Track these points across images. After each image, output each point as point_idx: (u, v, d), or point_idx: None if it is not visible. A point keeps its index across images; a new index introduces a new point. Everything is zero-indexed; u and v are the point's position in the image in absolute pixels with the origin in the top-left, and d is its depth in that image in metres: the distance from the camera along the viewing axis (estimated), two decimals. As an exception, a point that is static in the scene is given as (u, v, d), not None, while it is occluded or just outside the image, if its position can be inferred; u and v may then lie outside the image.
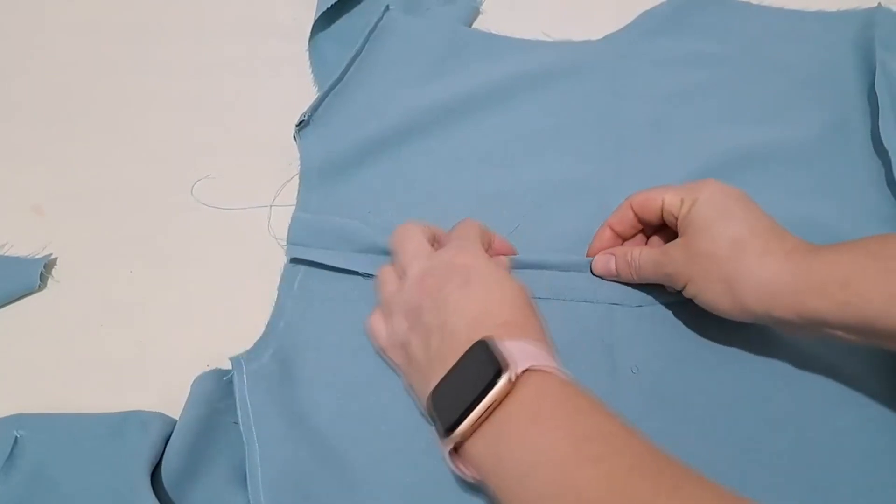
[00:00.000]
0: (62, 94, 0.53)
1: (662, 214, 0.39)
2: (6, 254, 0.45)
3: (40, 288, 0.43)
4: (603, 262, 0.41)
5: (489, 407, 0.29)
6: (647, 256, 0.39)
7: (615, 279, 0.41)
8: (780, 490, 0.36)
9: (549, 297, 0.41)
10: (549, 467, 0.28)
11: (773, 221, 0.36)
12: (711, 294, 0.36)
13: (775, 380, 0.39)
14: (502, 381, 0.29)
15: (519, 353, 0.31)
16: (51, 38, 0.55)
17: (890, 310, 0.31)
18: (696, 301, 0.37)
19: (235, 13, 0.57)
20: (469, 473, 0.31)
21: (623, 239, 0.42)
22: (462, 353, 0.32)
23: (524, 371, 0.30)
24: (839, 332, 0.34)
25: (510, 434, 0.29)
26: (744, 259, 0.35)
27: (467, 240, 0.38)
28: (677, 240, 0.38)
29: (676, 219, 0.38)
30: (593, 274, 0.42)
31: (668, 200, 0.38)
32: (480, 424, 0.30)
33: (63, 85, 0.53)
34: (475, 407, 0.30)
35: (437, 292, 0.34)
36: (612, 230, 0.42)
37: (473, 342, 0.32)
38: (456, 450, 0.31)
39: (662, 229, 0.41)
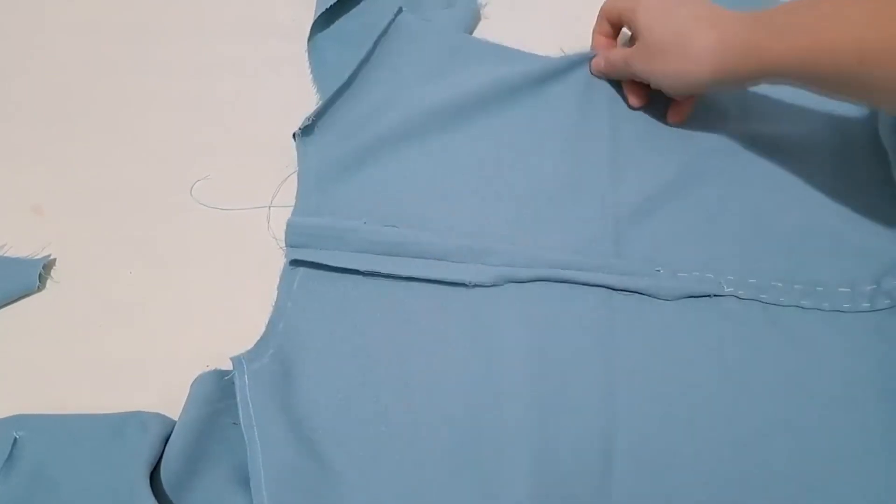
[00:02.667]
0: (62, 94, 0.53)
1: (622, 21, 0.48)
2: (6, 254, 0.45)
3: (40, 288, 0.43)
4: (596, 61, 0.50)
5: None
6: (617, 55, 0.47)
7: (603, 76, 0.49)
8: (777, 489, 0.36)
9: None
10: None
11: (711, 3, 0.42)
12: (672, 76, 0.43)
13: (776, 380, 0.39)
14: None
15: None
16: (51, 38, 0.55)
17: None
18: (661, 87, 0.44)
19: (235, 13, 0.56)
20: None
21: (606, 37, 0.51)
22: None
23: None
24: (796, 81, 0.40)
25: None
26: (694, 35, 0.41)
27: None
28: (636, 43, 0.45)
29: (630, 24, 0.46)
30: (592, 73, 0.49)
31: (623, 13, 0.47)
32: None
33: (63, 85, 0.53)
34: None
35: None
36: (602, 35, 0.50)
37: None
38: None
39: None
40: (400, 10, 0.51)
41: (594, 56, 0.50)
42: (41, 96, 0.53)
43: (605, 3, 0.50)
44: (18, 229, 0.46)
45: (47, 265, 0.44)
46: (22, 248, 0.45)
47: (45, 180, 0.48)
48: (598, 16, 0.50)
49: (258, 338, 0.40)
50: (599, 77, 0.49)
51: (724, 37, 0.40)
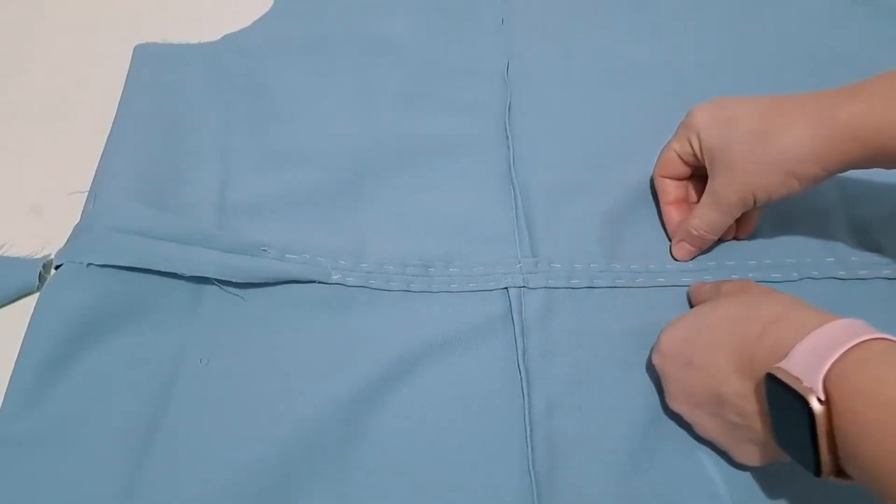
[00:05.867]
0: (61, 93, 0.52)
1: (686, 164, 0.42)
2: (5, 254, 0.44)
3: (39, 288, 0.43)
4: (680, 250, 0.43)
5: (827, 435, 0.28)
6: (706, 216, 0.40)
7: (702, 251, 0.43)
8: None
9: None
10: None
11: (768, 97, 0.38)
12: (776, 188, 0.37)
13: None
14: (816, 408, 0.27)
15: (801, 361, 0.29)
16: (50, 38, 0.55)
17: None
18: (765, 202, 0.38)
19: (234, 13, 0.56)
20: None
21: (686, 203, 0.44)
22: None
23: (826, 375, 0.28)
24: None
25: (861, 436, 0.27)
26: (771, 145, 0.36)
27: None
28: (711, 179, 0.39)
29: (697, 157, 0.40)
30: (675, 259, 0.44)
31: (680, 150, 0.41)
32: (836, 453, 0.28)
33: (63, 85, 0.53)
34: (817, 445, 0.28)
35: None
36: (673, 207, 0.44)
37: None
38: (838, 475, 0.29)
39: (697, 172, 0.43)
40: None
41: (673, 247, 0.44)
42: (41, 96, 0.52)
43: (657, 164, 0.44)
44: (18, 229, 0.45)
45: (47, 265, 0.44)
46: (22, 248, 0.45)
47: (45, 180, 0.48)
48: (658, 183, 0.44)
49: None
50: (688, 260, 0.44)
51: (818, 121, 0.35)
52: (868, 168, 0.36)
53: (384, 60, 0.54)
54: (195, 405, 0.37)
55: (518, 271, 0.42)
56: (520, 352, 0.39)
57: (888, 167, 0.35)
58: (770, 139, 0.36)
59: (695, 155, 0.40)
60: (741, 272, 0.43)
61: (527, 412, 0.37)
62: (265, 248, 0.42)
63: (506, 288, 0.42)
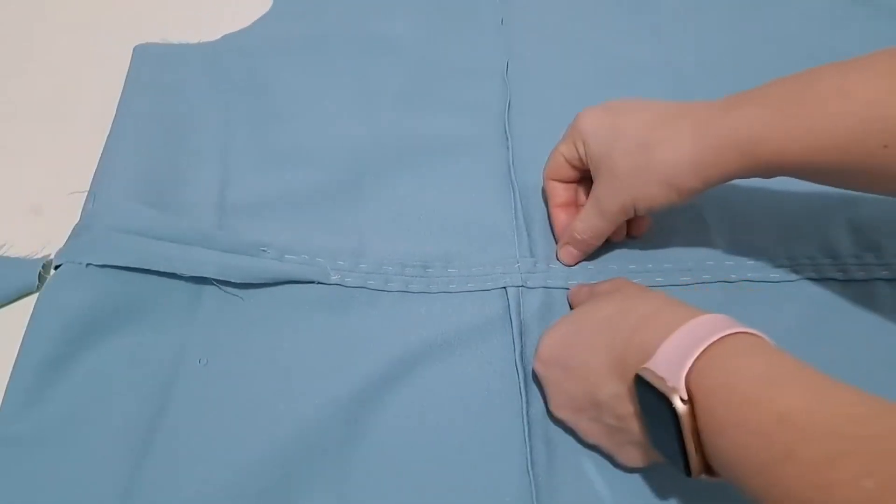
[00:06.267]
0: (62, 94, 0.52)
1: (574, 168, 0.41)
2: (5, 254, 0.44)
3: (39, 288, 0.43)
4: (565, 254, 0.43)
5: (693, 434, 0.27)
6: (589, 222, 0.40)
7: (586, 255, 0.43)
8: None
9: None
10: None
11: (656, 105, 0.37)
12: (656, 198, 0.37)
13: None
14: (679, 408, 0.27)
15: (665, 360, 0.28)
16: (50, 38, 0.55)
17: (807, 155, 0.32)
18: (647, 211, 0.38)
19: (234, 13, 0.56)
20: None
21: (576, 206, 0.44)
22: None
23: (689, 373, 0.27)
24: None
25: (719, 432, 0.27)
26: (652, 157, 0.35)
27: None
28: (595, 184, 0.39)
29: (583, 162, 0.40)
30: (561, 262, 0.43)
31: (567, 154, 0.41)
32: (703, 452, 0.28)
33: (63, 85, 0.53)
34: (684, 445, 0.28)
35: None
36: (561, 210, 0.43)
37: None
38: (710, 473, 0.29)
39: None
40: None
41: (557, 250, 0.43)
42: (40, 96, 0.52)
43: (546, 166, 0.43)
44: (18, 229, 0.45)
45: (47, 265, 0.44)
46: (22, 248, 0.45)
47: (45, 180, 0.48)
48: (547, 186, 0.43)
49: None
50: (573, 265, 0.43)
51: (698, 132, 0.34)
52: (748, 178, 0.35)
53: (384, 60, 0.54)
54: (195, 405, 0.37)
55: (517, 271, 0.42)
56: (518, 352, 0.39)
57: (766, 177, 0.35)
58: (651, 150, 0.36)
59: (580, 159, 0.40)
60: (740, 272, 0.43)
61: (525, 412, 0.37)
62: (265, 249, 0.42)
63: (504, 288, 0.42)
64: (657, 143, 0.36)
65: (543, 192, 0.46)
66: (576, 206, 0.44)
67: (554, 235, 0.45)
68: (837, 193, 0.46)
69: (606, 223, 0.40)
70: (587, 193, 0.42)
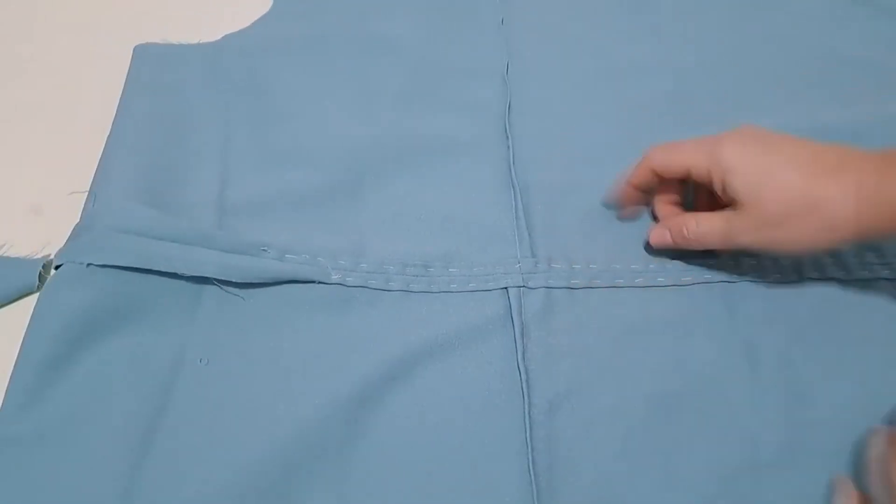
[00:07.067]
0: (62, 94, 0.52)
1: (688, 178, 0.40)
2: (5, 254, 0.44)
3: (39, 288, 0.43)
4: (659, 234, 0.42)
5: None
6: (708, 228, 0.39)
7: (676, 250, 0.42)
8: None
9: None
10: None
11: (809, 147, 0.36)
12: (802, 245, 0.36)
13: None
14: None
15: None
16: (50, 38, 0.55)
17: None
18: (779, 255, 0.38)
19: (234, 13, 0.56)
20: None
21: (642, 191, 0.43)
22: None
23: None
24: None
25: None
26: (812, 213, 0.35)
27: None
28: (733, 213, 0.37)
29: (707, 184, 0.39)
30: (647, 246, 0.44)
31: (695, 171, 0.39)
32: None
33: (63, 85, 0.53)
34: None
35: None
36: (634, 188, 0.43)
37: None
38: None
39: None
40: None
41: (652, 231, 0.43)
42: (40, 96, 0.52)
43: (652, 153, 0.41)
44: (18, 229, 0.45)
45: (47, 265, 0.44)
46: (22, 248, 0.45)
47: (45, 180, 0.48)
48: (640, 166, 0.42)
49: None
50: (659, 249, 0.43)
51: (863, 192, 0.34)
52: None
53: (384, 60, 0.54)
54: (195, 405, 0.37)
55: (518, 271, 0.42)
56: (519, 352, 0.39)
57: None
58: (812, 207, 0.35)
59: (716, 190, 0.39)
60: (742, 272, 0.43)
61: (527, 412, 0.37)
62: (265, 248, 0.42)
63: (505, 288, 0.42)
64: (820, 200, 0.35)
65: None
66: (680, 203, 0.43)
67: (656, 217, 0.44)
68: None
69: (722, 246, 0.40)
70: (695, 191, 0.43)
